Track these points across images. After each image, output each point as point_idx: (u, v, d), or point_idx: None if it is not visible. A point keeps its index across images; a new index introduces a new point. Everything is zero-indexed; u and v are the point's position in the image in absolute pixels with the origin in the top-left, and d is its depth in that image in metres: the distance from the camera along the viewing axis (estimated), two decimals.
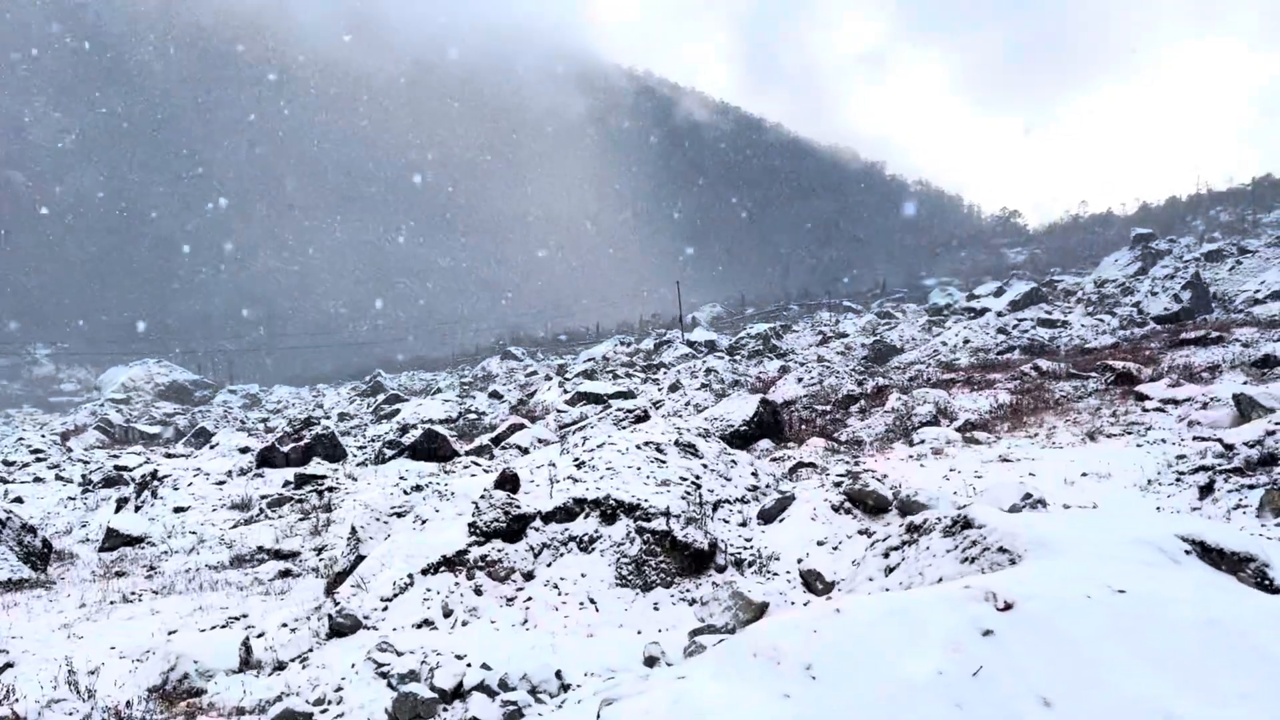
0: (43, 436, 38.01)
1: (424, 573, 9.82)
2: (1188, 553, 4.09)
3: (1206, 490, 10.14)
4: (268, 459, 22.77)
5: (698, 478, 11.45)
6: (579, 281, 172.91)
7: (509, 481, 11.20)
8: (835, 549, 9.82)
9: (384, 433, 33.34)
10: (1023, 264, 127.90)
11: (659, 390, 37.47)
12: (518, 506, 10.41)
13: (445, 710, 7.12)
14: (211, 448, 27.05)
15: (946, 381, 25.17)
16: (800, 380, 30.42)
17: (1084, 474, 12.39)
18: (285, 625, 9.75)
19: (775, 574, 9.59)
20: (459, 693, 7.38)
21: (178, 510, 18.45)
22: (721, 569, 9.58)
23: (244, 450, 25.47)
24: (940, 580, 4.43)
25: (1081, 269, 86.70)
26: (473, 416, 40.62)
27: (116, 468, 24.68)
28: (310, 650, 8.80)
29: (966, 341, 36.68)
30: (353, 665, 8.08)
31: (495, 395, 49.80)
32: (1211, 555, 4.15)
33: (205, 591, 12.44)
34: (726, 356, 49.88)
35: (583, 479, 11.06)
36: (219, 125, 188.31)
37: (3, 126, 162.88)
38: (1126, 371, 20.60)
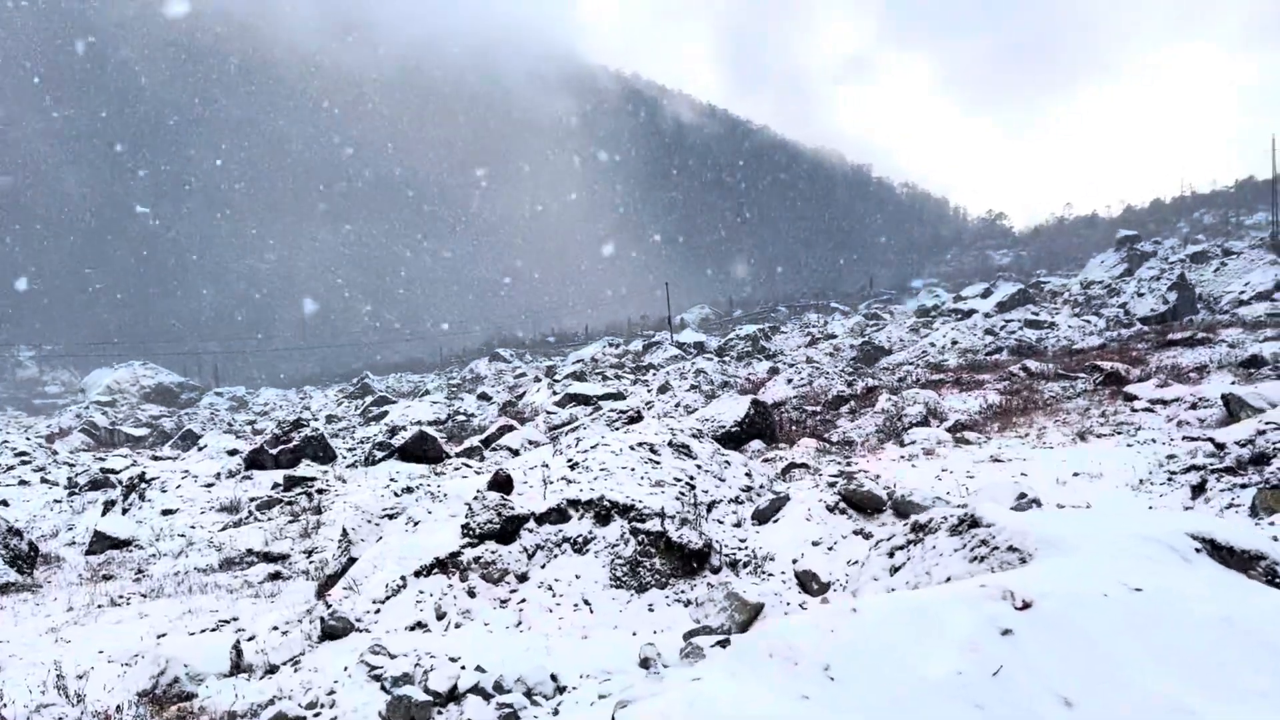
0: (28, 439, 37.66)
1: (417, 574, 9.76)
2: (1198, 550, 4.08)
3: (1199, 489, 10.17)
4: (256, 461, 22.63)
5: (692, 478, 11.41)
6: (567, 283, 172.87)
7: (503, 483, 11.14)
8: (830, 549, 9.80)
9: (373, 435, 33.21)
10: (1009, 266, 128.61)
11: (649, 391, 37.45)
12: (511, 508, 10.36)
13: (440, 713, 7.05)
14: (199, 450, 26.90)
15: (936, 382, 25.24)
16: (790, 381, 30.46)
17: (1076, 474, 12.42)
18: (276, 628, 9.67)
19: (770, 574, 9.56)
20: (454, 695, 7.31)
21: (166, 513, 18.30)
22: (716, 570, 9.54)
23: (232, 452, 25.33)
24: (949, 580, 4.39)
25: (1067, 271, 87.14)
26: (461, 418, 40.52)
27: (103, 470, 24.50)
28: (302, 653, 8.71)
29: (954, 342, 36.80)
30: (345, 668, 8.00)
31: (484, 397, 49.73)
32: (1221, 553, 4.14)
33: (194, 594, 12.32)
34: (716, 358, 49.94)
35: (576, 480, 11.01)
36: (203, 126, 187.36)
37: None
38: (1115, 372, 20.69)
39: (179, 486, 20.24)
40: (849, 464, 15.29)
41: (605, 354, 66.89)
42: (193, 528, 17.37)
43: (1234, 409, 14.01)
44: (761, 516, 10.94)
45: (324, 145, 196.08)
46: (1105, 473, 12.19)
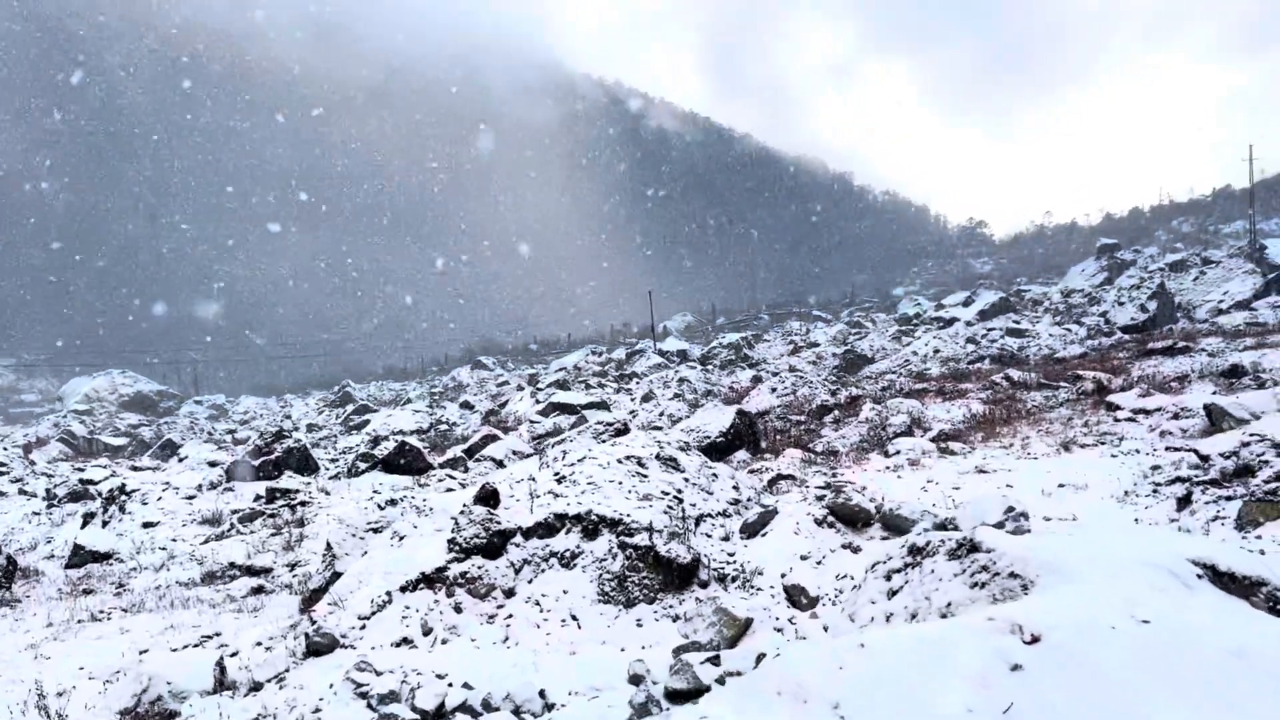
0: (4, 449, 37.24)
1: (403, 590, 9.68)
2: (1200, 577, 4.06)
3: (1184, 502, 10.20)
4: (238, 473, 22.47)
5: (679, 492, 11.38)
6: (549, 290, 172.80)
7: (489, 496, 11.07)
8: (819, 564, 9.78)
9: (355, 444, 33.04)
10: (989, 274, 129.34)
11: (632, 400, 37.41)
12: (498, 522, 10.29)
13: None
14: (180, 460, 26.67)
15: (919, 391, 25.30)
16: (774, 390, 30.50)
17: (1061, 485, 12.45)
18: (260, 644, 9.56)
19: (759, 589, 9.53)
20: (441, 713, 7.24)
21: (146, 525, 18.10)
22: (705, 584, 9.51)
23: (213, 464, 25.12)
24: (949, 605, 4.36)
25: (1047, 279, 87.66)
26: (444, 427, 40.34)
27: (82, 481, 24.22)
28: (287, 670, 8.61)
29: (937, 351, 36.92)
30: (331, 685, 7.91)
31: (466, 405, 49.53)
32: (1223, 579, 4.12)
33: (176, 609, 12.18)
34: (699, 366, 49.92)
35: (564, 494, 10.95)
36: (184, 133, 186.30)
37: None
38: (1097, 381, 20.80)
39: (160, 498, 20.06)
40: (835, 475, 15.29)
41: (588, 362, 66.80)
42: (174, 540, 17.19)
43: (1216, 419, 14.09)
44: (750, 530, 10.91)
45: (305, 153, 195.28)
46: (1090, 484, 12.23)
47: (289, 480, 21.23)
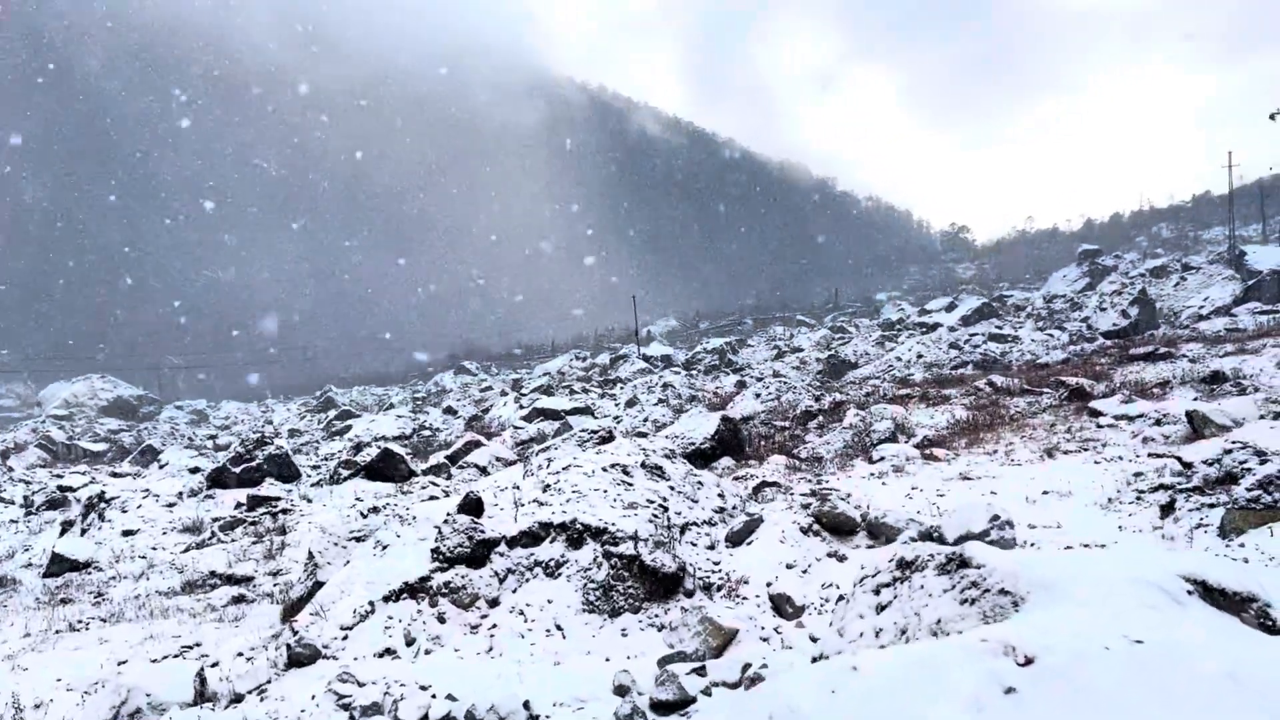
0: None
1: (385, 600, 9.59)
2: (1190, 593, 4.05)
3: (1168, 509, 10.23)
4: (219, 479, 22.28)
5: (665, 500, 11.34)
6: (533, 295, 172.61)
7: (473, 505, 11.00)
8: (804, 572, 9.76)
9: (337, 451, 32.83)
10: (971, 279, 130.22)
11: (616, 405, 37.39)
12: (482, 531, 10.22)
13: None
14: (161, 466, 26.44)
15: (902, 397, 25.35)
16: (758, 396, 30.53)
17: (1045, 492, 12.47)
18: (241, 655, 9.46)
19: (745, 598, 9.49)
20: None
21: (126, 533, 17.93)
22: (690, 593, 9.47)
23: (194, 470, 24.91)
24: (939, 622, 4.35)
25: (1029, 284, 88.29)
26: (427, 433, 40.21)
27: (60, 488, 23.99)
28: (268, 681, 8.51)
29: (920, 356, 37.03)
30: (313, 697, 7.83)
31: (450, 411, 49.39)
32: (1214, 595, 4.11)
33: (156, 619, 12.04)
34: (683, 371, 49.98)
35: (548, 502, 10.89)
36: (165, 136, 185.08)
37: None
38: (1079, 387, 20.88)
39: (140, 506, 19.85)
40: (820, 482, 15.29)
41: (572, 367, 66.78)
42: (154, 549, 17.02)
43: (1199, 425, 14.17)
44: (735, 539, 10.88)
45: (288, 156, 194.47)
46: (1074, 491, 12.25)
47: (270, 487, 21.08)
